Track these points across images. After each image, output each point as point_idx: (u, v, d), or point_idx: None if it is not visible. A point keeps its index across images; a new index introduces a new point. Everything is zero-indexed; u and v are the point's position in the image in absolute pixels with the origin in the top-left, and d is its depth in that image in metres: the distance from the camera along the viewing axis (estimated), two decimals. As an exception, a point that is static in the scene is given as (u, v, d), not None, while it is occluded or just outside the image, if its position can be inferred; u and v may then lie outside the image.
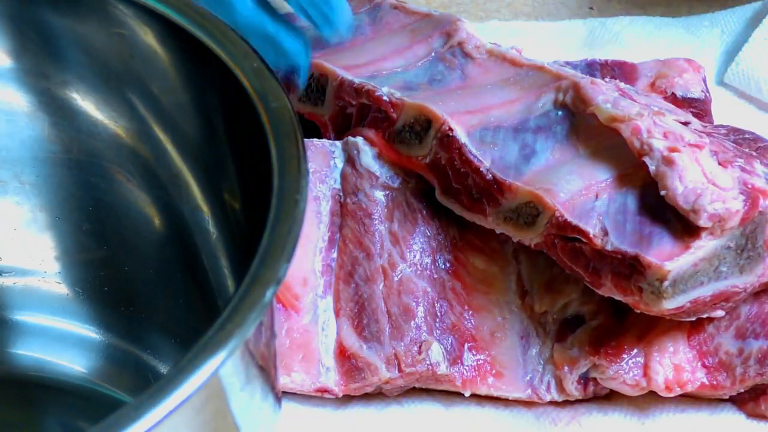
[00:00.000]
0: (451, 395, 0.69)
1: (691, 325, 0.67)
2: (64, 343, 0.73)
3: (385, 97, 0.70)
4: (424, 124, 0.69)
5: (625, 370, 0.66)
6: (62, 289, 0.73)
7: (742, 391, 0.67)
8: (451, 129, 0.68)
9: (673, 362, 0.66)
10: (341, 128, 0.74)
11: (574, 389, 0.68)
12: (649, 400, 0.68)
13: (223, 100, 0.61)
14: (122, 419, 0.46)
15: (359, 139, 0.72)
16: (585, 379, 0.68)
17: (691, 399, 0.68)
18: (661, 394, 0.67)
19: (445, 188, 0.70)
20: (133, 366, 0.72)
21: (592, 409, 0.69)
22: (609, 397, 0.69)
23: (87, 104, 0.68)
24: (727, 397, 0.68)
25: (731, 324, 0.67)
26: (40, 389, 0.72)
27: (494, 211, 0.68)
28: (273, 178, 0.55)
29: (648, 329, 0.67)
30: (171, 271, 0.70)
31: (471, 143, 0.68)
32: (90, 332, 0.73)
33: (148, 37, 0.64)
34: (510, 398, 0.69)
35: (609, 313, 0.67)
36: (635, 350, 0.67)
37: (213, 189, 0.65)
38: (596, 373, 0.67)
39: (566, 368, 0.67)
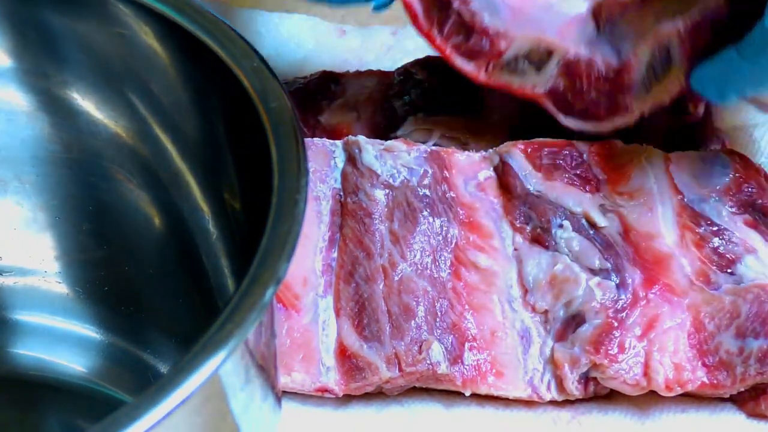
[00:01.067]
0: (452, 395, 0.69)
1: (691, 324, 0.67)
2: (64, 342, 0.73)
3: (491, 29, 0.71)
4: (543, 55, 0.70)
5: (625, 370, 0.66)
6: (62, 288, 0.73)
7: (743, 390, 0.67)
8: (576, 55, 0.70)
9: (674, 361, 0.66)
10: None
11: (574, 389, 0.68)
12: (650, 399, 0.68)
13: (223, 100, 0.61)
14: (122, 419, 0.46)
15: (361, 138, 0.72)
16: (585, 379, 0.68)
17: (691, 398, 0.68)
18: (662, 393, 0.67)
19: (567, 111, 0.71)
20: (133, 366, 0.72)
21: (592, 408, 0.69)
22: (609, 397, 0.69)
23: (87, 104, 0.68)
24: (728, 396, 0.68)
25: (731, 323, 0.67)
26: (40, 389, 0.72)
27: (637, 96, 0.70)
28: (273, 177, 0.55)
29: (648, 328, 0.67)
30: (171, 271, 0.70)
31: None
32: (90, 332, 0.73)
33: (148, 37, 0.64)
34: (510, 398, 0.69)
35: (610, 313, 0.68)
36: (636, 349, 0.67)
37: (213, 189, 0.65)
38: (597, 373, 0.67)
39: (567, 367, 0.67)
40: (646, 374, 0.66)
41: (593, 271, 0.69)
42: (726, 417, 0.68)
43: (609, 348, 0.67)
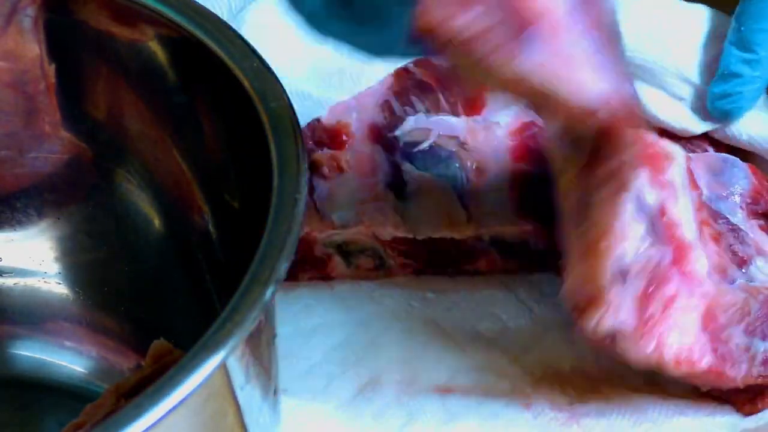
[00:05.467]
0: (449, 395, 0.69)
1: (706, 311, 0.67)
2: (63, 344, 0.73)
3: None
4: None
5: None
6: (62, 290, 0.73)
7: (742, 388, 0.67)
8: None
9: (685, 340, 0.66)
10: None
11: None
12: (648, 401, 0.68)
13: (223, 100, 0.62)
14: (122, 419, 0.46)
15: None
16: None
17: (690, 400, 0.69)
18: (669, 368, 0.66)
19: None
20: (133, 367, 0.72)
21: (590, 409, 0.69)
22: (607, 398, 0.69)
23: (87, 103, 0.69)
24: (725, 398, 0.68)
25: (743, 319, 0.67)
26: (40, 390, 0.72)
27: None
28: (273, 177, 0.55)
29: (668, 305, 0.66)
30: (171, 272, 0.70)
31: None
32: (90, 333, 0.73)
33: (147, 37, 0.64)
34: None
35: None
36: (656, 322, 0.66)
37: (213, 189, 0.65)
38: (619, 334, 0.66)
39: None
40: (657, 348, 0.66)
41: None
42: (724, 420, 0.68)
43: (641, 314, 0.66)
